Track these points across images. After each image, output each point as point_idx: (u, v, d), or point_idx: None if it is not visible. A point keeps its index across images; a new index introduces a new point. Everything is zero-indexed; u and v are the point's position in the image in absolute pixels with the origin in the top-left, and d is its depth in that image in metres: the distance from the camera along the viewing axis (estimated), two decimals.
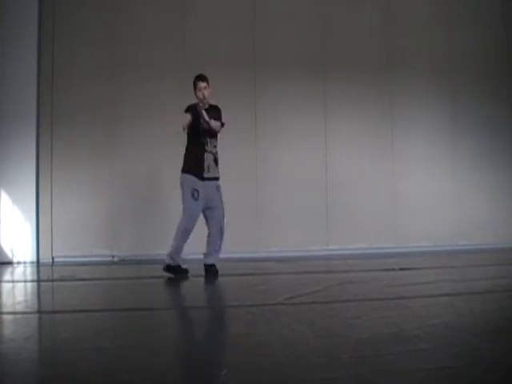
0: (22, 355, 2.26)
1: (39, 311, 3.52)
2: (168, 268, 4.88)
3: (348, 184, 7.18)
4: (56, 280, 5.07)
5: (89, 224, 6.67)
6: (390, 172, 7.36)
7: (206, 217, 4.97)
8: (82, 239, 6.64)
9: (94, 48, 6.84)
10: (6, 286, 4.82)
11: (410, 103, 7.47)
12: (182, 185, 4.90)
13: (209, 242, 4.96)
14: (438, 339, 2.40)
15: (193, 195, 4.80)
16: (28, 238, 6.55)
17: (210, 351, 2.39)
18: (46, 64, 6.76)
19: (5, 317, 3.21)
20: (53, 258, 6.63)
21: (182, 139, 5.08)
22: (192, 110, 4.82)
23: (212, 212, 4.92)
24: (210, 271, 4.93)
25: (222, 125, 5.00)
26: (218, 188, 4.97)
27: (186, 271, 4.97)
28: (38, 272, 5.86)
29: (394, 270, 5.11)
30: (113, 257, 6.72)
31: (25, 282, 5.17)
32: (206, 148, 4.88)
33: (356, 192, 7.20)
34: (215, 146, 4.97)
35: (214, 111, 4.99)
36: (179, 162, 5.05)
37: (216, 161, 4.96)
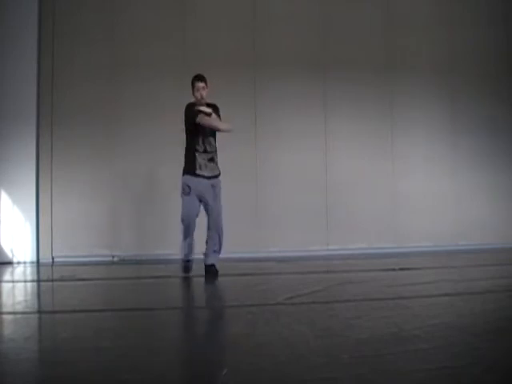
0: (22, 355, 2.26)
1: (39, 311, 3.52)
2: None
3: (348, 184, 7.18)
4: (56, 280, 5.07)
5: (89, 224, 6.67)
6: (390, 172, 7.37)
7: (207, 214, 4.98)
8: (82, 239, 6.64)
9: (93, 48, 6.84)
10: (6, 286, 4.82)
11: (410, 103, 7.47)
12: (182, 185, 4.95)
13: (207, 242, 4.97)
14: (438, 339, 2.40)
15: (183, 190, 4.87)
16: (28, 238, 6.55)
17: (210, 351, 2.39)
18: (46, 64, 6.76)
19: (5, 317, 3.21)
20: (53, 258, 6.63)
21: (182, 139, 5.08)
22: (194, 112, 4.86)
23: (208, 210, 4.93)
24: (210, 271, 4.93)
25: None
26: (213, 186, 4.93)
27: (187, 268, 5.01)
28: (38, 272, 5.86)
29: (394, 270, 5.11)
30: (113, 257, 6.72)
31: (25, 282, 5.17)
32: (198, 148, 4.89)
33: (356, 192, 7.20)
34: (212, 146, 4.96)
35: (214, 111, 4.98)
36: (179, 162, 5.06)
37: (211, 159, 4.94)
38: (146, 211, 6.80)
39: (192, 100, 4.97)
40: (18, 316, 3.26)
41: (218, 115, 5.02)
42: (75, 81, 6.77)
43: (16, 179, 6.48)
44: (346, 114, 7.29)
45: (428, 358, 2.11)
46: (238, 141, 6.56)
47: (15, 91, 6.53)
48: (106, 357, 2.24)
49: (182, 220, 4.90)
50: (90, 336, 2.65)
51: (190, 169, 4.90)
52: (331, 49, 7.33)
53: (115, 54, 6.89)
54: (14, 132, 6.48)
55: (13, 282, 5.15)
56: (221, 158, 5.15)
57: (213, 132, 4.96)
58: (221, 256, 5.09)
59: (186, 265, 5.04)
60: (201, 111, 4.85)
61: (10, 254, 6.50)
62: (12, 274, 5.72)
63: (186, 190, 4.86)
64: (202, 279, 4.83)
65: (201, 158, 4.90)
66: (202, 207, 4.96)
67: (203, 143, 4.91)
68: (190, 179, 4.88)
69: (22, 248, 6.53)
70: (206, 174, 4.90)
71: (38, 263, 6.51)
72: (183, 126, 4.95)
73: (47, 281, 5.15)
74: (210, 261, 4.96)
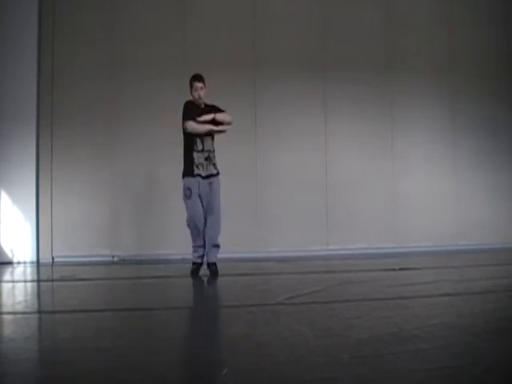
0: (22, 355, 2.26)
1: (39, 311, 3.52)
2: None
3: (348, 184, 7.18)
4: (56, 280, 5.07)
5: (89, 224, 6.67)
6: (390, 172, 7.37)
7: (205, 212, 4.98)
8: (82, 239, 6.64)
9: (93, 48, 6.84)
10: (6, 286, 4.82)
11: (410, 103, 7.47)
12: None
13: (207, 236, 4.96)
14: (438, 339, 2.40)
15: (185, 194, 4.90)
16: (28, 238, 6.55)
17: (210, 351, 2.39)
18: (46, 64, 6.76)
19: (5, 317, 3.21)
20: (53, 258, 6.63)
21: (182, 139, 5.09)
22: (192, 110, 4.88)
23: (209, 204, 4.94)
24: (211, 271, 4.94)
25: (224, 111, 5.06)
26: (210, 184, 4.95)
27: (195, 271, 5.00)
28: (38, 272, 5.86)
29: (394, 270, 5.11)
30: (113, 257, 6.72)
31: (25, 282, 5.17)
32: (195, 148, 4.90)
33: (356, 192, 7.20)
34: (209, 145, 4.96)
35: (213, 108, 5.03)
36: (179, 162, 5.06)
37: (208, 159, 4.95)
38: (145, 211, 6.80)
39: (187, 99, 4.99)
40: (18, 316, 3.26)
41: (218, 109, 5.04)
42: (75, 81, 6.77)
43: (16, 179, 6.48)
44: (346, 114, 7.29)
45: (428, 357, 2.11)
46: (238, 141, 6.56)
47: (15, 91, 6.52)
48: (106, 357, 2.24)
49: (188, 224, 4.93)
50: (89, 336, 2.65)
51: (188, 170, 4.92)
52: (331, 49, 7.33)
53: (115, 54, 6.89)
54: (13, 132, 6.48)
55: (13, 282, 5.15)
56: (221, 158, 5.15)
57: (212, 134, 4.98)
58: (221, 256, 5.09)
59: (195, 268, 5.02)
60: (194, 118, 4.86)
61: (10, 254, 6.50)
62: (12, 274, 5.71)
63: (187, 193, 4.88)
64: (204, 280, 4.83)
65: (198, 157, 4.91)
66: None
67: (201, 142, 4.91)
68: (189, 181, 4.90)
69: (22, 248, 6.53)
70: (202, 173, 4.91)
71: (38, 263, 6.51)
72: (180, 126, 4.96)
73: (47, 281, 5.15)
74: (212, 258, 4.98)
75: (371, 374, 1.94)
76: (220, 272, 4.96)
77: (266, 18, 7.23)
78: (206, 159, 4.94)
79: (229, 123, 5.03)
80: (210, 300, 4.14)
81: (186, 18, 7.09)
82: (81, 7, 6.91)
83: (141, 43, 6.93)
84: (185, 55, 6.96)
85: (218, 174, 5.02)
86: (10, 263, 6.43)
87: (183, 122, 4.91)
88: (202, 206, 4.93)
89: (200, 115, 4.90)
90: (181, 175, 4.99)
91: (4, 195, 6.51)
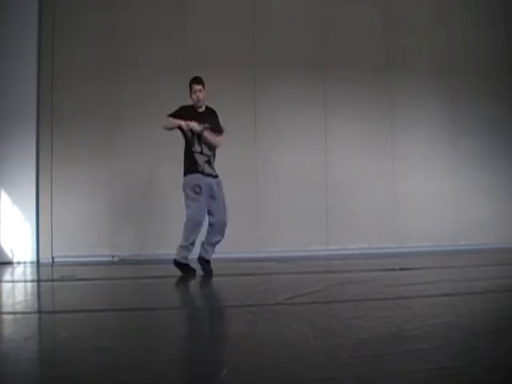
0: (22, 355, 2.26)
1: (39, 311, 3.52)
2: (176, 263, 4.85)
3: (348, 184, 7.18)
4: (56, 280, 5.07)
5: (89, 224, 6.67)
6: (390, 172, 7.36)
7: (210, 211, 4.95)
8: (82, 239, 6.64)
9: (93, 48, 6.84)
10: (6, 286, 4.82)
11: (410, 103, 7.47)
12: (183, 188, 4.91)
13: (209, 233, 4.95)
14: (438, 339, 2.40)
15: (195, 191, 4.81)
16: (28, 238, 6.55)
17: (210, 351, 2.39)
18: (46, 64, 6.76)
19: (5, 317, 3.21)
20: (53, 258, 6.63)
21: (182, 139, 5.09)
22: (183, 113, 4.91)
23: (216, 204, 4.92)
24: (205, 269, 4.94)
25: (221, 132, 5.03)
26: (218, 184, 4.98)
27: (193, 271, 4.94)
28: (38, 272, 5.86)
29: (394, 270, 5.10)
30: (113, 257, 6.72)
31: (25, 282, 5.17)
32: (195, 149, 4.91)
33: (356, 192, 7.20)
34: (209, 149, 4.97)
35: (211, 118, 5.00)
36: (179, 162, 5.07)
37: (208, 162, 4.96)
38: (145, 211, 6.80)
39: (187, 103, 4.99)
40: (18, 316, 3.26)
41: (217, 123, 5.03)
42: (75, 81, 6.77)
43: (16, 179, 6.48)
44: (346, 114, 7.29)
45: (428, 357, 2.10)
46: (238, 141, 6.57)
47: (15, 91, 6.53)
48: (106, 357, 2.24)
49: (191, 221, 4.81)
50: (89, 336, 2.65)
51: (195, 168, 4.87)
52: (331, 49, 7.33)
53: (115, 54, 6.89)
54: (14, 132, 6.48)
55: (13, 282, 5.15)
56: (221, 158, 5.15)
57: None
58: (221, 256, 5.10)
59: (186, 268, 4.93)
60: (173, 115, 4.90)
61: (10, 254, 6.50)
62: (12, 273, 5.72)
63: (197, 190, 4.80)
64: (201, 279, 4.83)
65: (199, 158, 4.91)
66: None
67: (199, 145, 4.93)
68: (199, 178, 4.85)
69: (22, 248, 6.53)
70: (207, 172, 4.91)
71: (38, 263, 6.51)
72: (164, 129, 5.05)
73: (47, 281, 5.15)
74: (208, 256, 4.97)
75: (371, 373, 1.94)
76: (220, 272, 4.96)
77: (266, 18, 7.23)
78: (207, 162, 4.94)
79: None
80: (209, 300, 4.14)
81: (186, 18, 7.09)
82: (81, 7, 6.92)
83: (141, 43, 6.93)
84: (185, 55, 6.96)
85: (218, 176, 5.03)
86: (10, 263, 6.43)
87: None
88: (207, 205, 4.94)
89: (192, 118, 4.86)
90: (181, 175, 4.98)
91: (4, 195, 6.51)
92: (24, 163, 6.54)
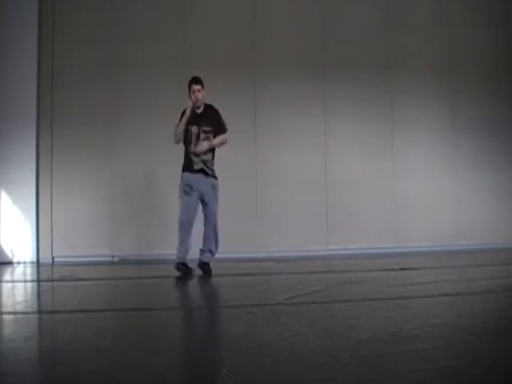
0: (22, 355, 2.26)
1: (39, 311, 3.52)
2: (177, 266, 4.96)
3: (348, 184, 7.18)
4: (56, 280, 5.07)
5: (89, 224, 6.67)
6: (390, 172, 7.36)
7: (203, 214, 5.03)
8: (82, 239, 6.64)
9: (94, 48, 6.84)
10: (6, 286, 4.82)
11: (410, 103, 7.47)
12: (179, 186, 5.02)
13: (204, 240, 5.04)
14: (438, 339, 2.40)
15: (185, 191, 4.92)
16: (28, 238, 6.55)
17: (210, 351, 2.39)
18: (46, 64, 6.75)
19: (5, 317, 3.21)
20: (53, 258, 6.63)
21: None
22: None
23: (206, 209, 4.98)
24: (204, 270, 4.97)
25: (224, 130, 5.07)
26: (213, 186, 5.00)
27: (190, 270, 4.98)
28: (38, 272, 5.86)
29: (394, 270, 5.11)
30: (113, 257, 6.72)
31: (25, 282, 5.17)
32: (190, 150, 4.97)
33: (356, 192, 7.20)
34: (206, 153, 4.99)
35: (211, 119, 5.02)
36: (179, 162, 5.09)
37: (205, 162, 4.98)
38: (145, 211, 6.80)
39: (187, 105, 5.00)
40: (18, 316, 3.26)
41: (219, 119, 5.06)
42: (75, 81, 6.77)
43: (16, 179, 6.48)
44: (346, 113, 7.29)
45: (428, 357, 2.11)
46: (238, 141, 6.55)
47: (15, 91, 6.52)
48: (106, 357, 2.24)
49: (179, 222, 4.92)
50: (89, 336, 2.65)
51: (188, 166, 4.97)
52: (331, 49, 7.33)
53: (115, 54, 6.89)
54: (14, 132, 6.48)
55: (13, 282, 5.15)
56: (221, 158, 5.16)
57: (207, 137, 5.00)
58: (221, 256, 5.11)
59: (183, 267, 4.97)
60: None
61: (10, 254, 6.50)
62: (12, 273, 5.72)
63: (187, 190, 4.90)
64: (201, 279, 4.83)
65: (195, 159, 4.97)
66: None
67: (195, 147, 4.96)
68: (190, 177, 4.93)
69: (22, 248, 6.53)
70: (200, 167, 4.95)
71: (38, 263, 6.51)
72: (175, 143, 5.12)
73: (47, 281, 5.15)
74: (205, 259, 5.02)
75: (371, 373, 1.94)
76: (220, 272, 4.96)
77: (266, 18, 7.23)
78: (202, 162, 4.97)
79: (222, 143, 5.10)
80: (209, 300, 4.14)
81: (186, 18, 7.09)
82: (81, 7, 6.91)
83: (141, 43, 6.93)
84: (185, 55, 6.96)
85: (216, 177, 5.04)
86: (10, 263, 6.43)
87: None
88: (199, 206, 4.98)
89: (195, 122, 4.95)
90: (181, 175, 5.04)
91: (4, 195, 6.50)
92: (24, 163, 6.53)
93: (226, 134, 5.08)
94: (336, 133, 7.26)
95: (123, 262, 6.61)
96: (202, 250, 5.04)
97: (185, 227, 4.90)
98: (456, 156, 7.55)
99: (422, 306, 3.31)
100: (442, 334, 2.51)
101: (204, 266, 5.00)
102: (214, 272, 4.95)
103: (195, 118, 4.96)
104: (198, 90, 4.96)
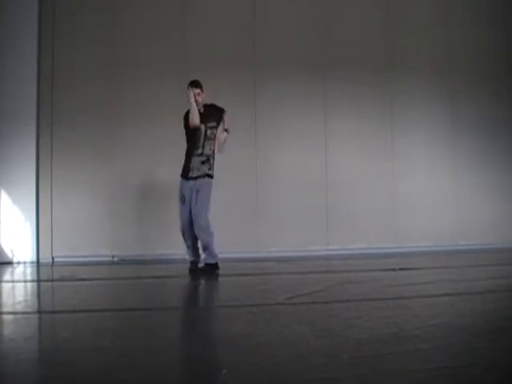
0: (22, 355, 2.26)
1: (39, 311, 3.52)
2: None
3: (348, 184, 7.18)
4: (56, 280, 5.07)
5: (89, 224, 6.67)
6: (390, 172, 7.36)
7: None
8: (82, 239, 6.64)
9: (94, 48, 6.83)
10: (6, 286, 4.82)
11: (410, 103, 7.47)
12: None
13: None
14: (438, 339, 2.40)
15: (180, 199, 5.08)
16: (28, 238, 6.55)
17: (210, 351, 2.39)
18: (46, 64, 6.75)
19: (5, 317, 3.21)
20: (53, 258, 6.63)
21: (182, 139, 5.11)
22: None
23: (193, 213, 5.00)
24: (203, 270, 5.02)
25: (223, 109, 5.16)
26: (200, 186, 5.00)
27: (194, 269, 5.11)
28: (38, 272, 5.86)
29: (394, 270, 5.11)
30: (113, 257, 6.72)
31: (25, 282, 5.17)
32: (195, 152, 5.02)
33: (356, 192, 7.20)
34: (210, 148, 5.06)
35: (212, 115, 5.10)
36: (179, 163, 5.10)
37: (204, 162, 5.02)
38: (145, 211, 6.80)
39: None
40: (18, 316, 3.26)
41: (217, 114, 5.13)
42: (75, 81, 6.77)
43: (16, 179, 6.47)
44: (346, 113, 7.28)
45: (428, 357, 2.11)
46: (238, 141, 6.55)
47: (15, 91, 6.52)
48: (106, 357, 2.24)
49: (180, 226, 5.10)
50: (90, 336, 2.65)
51: (184, 172, 5.06)
52: (331, 49, 7.32)
53: (115, 54, 6.88)
54: (14, 132, 6.48)
55: (13, 282, 5.15)
56: (221, 158, 5.16)
57: (213, 136, 5.05)
58: (221, 256, 5.09)
59: (192, 266, 5.16)
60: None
61: (10, 254, 6.50)
62: (12, 273, 5.72)
63: (182, 200, 5.06)
64: (201, 279, 4.84)
65: (195, 161, 5.01)
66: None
67: (201, 147, 5.00)
68: (184, 186, 5.04)
69: (22, 248, 6.53)
70: (195, 175, 5.00)
71: (38, 263, 6.51)
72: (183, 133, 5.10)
73: (47, 281, 5.15)
74: (206, 260, 5.07)
75: (371, 373, 1.94)
76: (221, 272, 4.96)
77: (266, 18, 7.23)
78: (203, 163, 5.00)
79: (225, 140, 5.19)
80: (210, 300, 4.14)
81: (186, 18, 7.09)
82: (81, 7, 6.91)
83: (141, 43, 6.93)
84: (185, 55, 6.96)
85: (208, 175, 5.04)
86: (10, 263, 6.43)
87: (186, 127, 5.03)
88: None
89: (201, 121, 5.00)
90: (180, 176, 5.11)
91: (4, 195, 6.50)
92: (24, 163, 6.53)
93: (226, 132, 5.15)
94: (336, 133, 7.26)
95: (123, 262, 6.61)
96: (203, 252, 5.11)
97: (183, 233, 5.09)
98: (456, 156, 7.55)
99: (422, 306, 3.31)
100: (441, 333, 2.51)
101: (203, 267, 5.03)
102: (213, 272, 4.95)
103: (201, 118, 4.99)
104: (198, 94, 5.00)
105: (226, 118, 5.15)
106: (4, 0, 6.59)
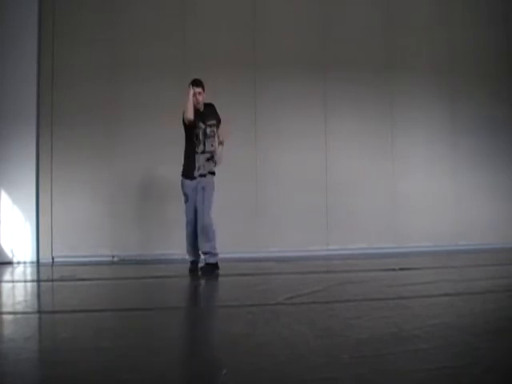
0: (22, 355, 2.26)
1: (39, 311, 3.52)
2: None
3: (348, 184, 7.18)
4: (56, 280, 5.07)
5: (89, 224, 6.67)
6: (390, 172, 7.36)
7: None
8: (81, 239, 6.64)
9: (94, 48, 6.83)
10: (6, 286, 4.82)
11: (410, 103, 7.47)
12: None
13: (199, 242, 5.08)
14: (438, 339, 2.40)
15: (184, 200, 5.08)
16: (28, 238, 6.55)
17: (210, 351, 2.39)
18: (46, 64, 6.75)
19: (5, 317, 3.21)
20: (53, 258, 6.63)
21: (182, 139, 5.11)
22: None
23: (198, 210, 5.00)
24: (202, 270, 5.02)
25: (219, 122, 5.16)
26: (206, 184, 5.00)
27: (193, 269, 5.11)
28: (38, 272, 5.86)
29: (394, 270, 5.11)
30: (113, 257, 6.71)
31: (25, 282, 5.17)
32: (197, 150, 5.01)
33: (356, 192, 7.20)
34: (212, 145, 5.07)
35: (213, 111, 5.14)
36: (179, 162, 5.10)
37: (209, 159, 5.04)
38: (145, 211, 6.80)
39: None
40: (18, 316, 3.26)
41: (216, 114, 5.14)
42: (75, 81, 6.77)
43: (16, 179, 6.47)
44: (346, 113, 7.28)
45: (428, 357, 2.11)
46: (238, 141, 6.56)
47: (15, 91, 6.52)
48: (106, 357, 2.24)
49: (186, 225, 5.09)
50: (90, 336, 2.65)
51: (188, 172, 5.04)
52: (331, 49, 7.32)
53: (115, 54, 6.88)
54: (14, 132, 6.48)
55: (13, 282, 5.15)
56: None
57: (214, 134, 5.06)
58: (221, 256, 5.09)
59: (192, 266, 5.16)
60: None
61: (10, 254, 6.50)
62: (12, 273, 5.72)
63: (184, 199, 5.07)
64: (202, 279, 4.84)
65: (201, 160, 5.00)
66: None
67: (203, 144, 4.99)
68: (188, 185, 5.02)
69: (22, 248, 6.52)
70: (200, 173, 5.00)
71: (38, 263, 6.50)
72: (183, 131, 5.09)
73: (47, 281, 5.15)
74: (206, 260, 5.05)
75: (371, 373, 1.94)
76: (221, 272, 4.96)
77: (266, 18, 7.23)
78: (208, 160, 5.01)
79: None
80: (210, 300, 4.14)
81: (186, 18, 7.09)
82: (81, 7, 6.91)
83: (141, 43, 6.93)
84: (185, 55, 6.96)
85: (213, 173, 5.06)
86: (10, 263, 6.43)
87: (184, 121, 5.00)
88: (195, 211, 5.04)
89: (201, 119, 5.01)
90: (181, 175, 5.09)
91: (4, 195, 6.50)
92: (24, 163, 6.53)
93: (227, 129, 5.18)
94: (336, 133, 7.26)
95: (123, 262, 6.61)
96: (202, 253, 5.09)
97: (186, 234, 5.09)
98: (456, 156, 7.54)
99: (422, 306, 3.31)
100: (442, 333, 2.51)
101: (203, 267, 5.02)
102: (213, 273, 4.95)
103: (199, 116, 5.00)
104: (199, 93, 5.01)
105: (221, 128, 5.14)
106: (4, 0, 6.59)
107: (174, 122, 5.14)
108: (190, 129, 5.01)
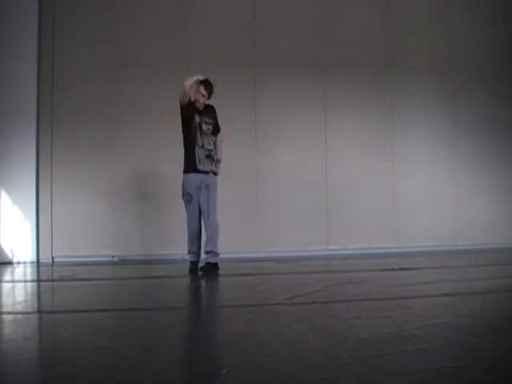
0: (22, 355, 2.26)
1: (39, 311, 3.51)
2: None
3: (348, 184, 7.18)
4: (56, 280, 5.06)
5: (89, 224, 6.67)
6: (390, 172, 7.37)
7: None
8: (82, 239, 6.64)
9: (94, 48, 6.84)
10: (6, 286, 4.82)
11: (410, 103, 7.47)
12: (182, 187, 5.05)
13: (205, 242, 5.04)
14: (438, 339, 2.40)
15: (186, 200, 4.97)
16: (28, 238, 6.55)
17: (210, 351, 2.38)
18: (46, 64, 6.76)
19: (5, 317, 3.21)
20: (53, 258, 6.63)
21: (182, 140, 5.11)
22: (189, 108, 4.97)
23: (203, 211, 4.99)
24: (204, 269, 5.00)
25: (219, 130, 5.14)
26: (210, 183, 4.98)
27: (194, 270, 5.07)
28: (38, 272, 5.85)
29: (394, 270, 5.10)
30: (113, 257, 6.72)
31: (25, 282, 5.16)
32: (198, 143, 4.96)
33: (356, 192, 7.20)
34: (210, 143, 5.02)
35: (213, 113, 5.13)
36: (179, 162, 5.09)
37: (209, 156, 4.99)
38: (146, 211, 6.80)
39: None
40: (18, 316, 3.26)
41: (215, 117, 5.12)
42: (75, 81, 6.78)
43: (16, 179, 6.48)
44: (346, 113, 7.29)
45: (428, 357, 2.10)
46: (238, 141, 6.56)
47: (15, 91, 6.53)
48: (106, 357, 2.24)
49: (187, 226, 5.01)
50: (90, 336, 2.64)
51: (192, 165, 4.94)
52: (331, 49, 7.33)
53: (115, 54, 6.89)
54: (14, 132, 6.48)
55: (13, 282, 5.15)
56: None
57: (213, 131, 5.04)
58: (221, 256, 5.09)
59: (192, 266, 5.10)
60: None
61: (10, 254, 6.50)
62: (12, 273, 5.71)
63: (188, 199, 4.95)
64: (202, 279, 4.84)
65: (200, 153, 4.95)
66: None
67: (201, 140, 4.96)
68: (188, 182, 4.94)
69: (22, 248, 6.53)
70: (203, 168, 4.95)
71: (38, 263, 6.51)
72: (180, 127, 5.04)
73: (47, 281, 5.14)
74: (207, 259, 5.03)
75: (371, 374, 1.93)
76: (221, 272, 4.96)
77: (266, 18, 7.23)
78: (207, 157, 4.97)
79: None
80: (209, 300, 4.14)
81: (186, 18, 7.09)
82: (81, 7, 6.92)
83: (141, 43, 6.93)
84: (185, 55, 6.96)
85: (216, 173, 5.04)
86: (10, 263, 6.43)
87: (183, 114, 4.99)
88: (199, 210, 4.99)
89: (198, 113, 4.99)
90: (181, 176, 5.05)
91: (4, 195, 6.51)
92: (24, 163, 6.54)
93: (226, 131, 5.18)
94: (336, 133, 7.26)
95: (123, 262, 6.61)
96: (205, 252, 5.06)
97: (190, 234, 5.01)
98: (456, 156, 7.55)
99: (422, 306, 3.30)
100: (442, 333, 2.51)
101: (204, 266, 5.01)
102: (213, 272, 4.95)
103: (197, 111, 5.00)
104: (203, 96, 5.00)
105: (220, 138, 5.12)
106: (4, 0, 6.59)
107: (174, 122, 5.14)
108: (186, 116, 4.95)
